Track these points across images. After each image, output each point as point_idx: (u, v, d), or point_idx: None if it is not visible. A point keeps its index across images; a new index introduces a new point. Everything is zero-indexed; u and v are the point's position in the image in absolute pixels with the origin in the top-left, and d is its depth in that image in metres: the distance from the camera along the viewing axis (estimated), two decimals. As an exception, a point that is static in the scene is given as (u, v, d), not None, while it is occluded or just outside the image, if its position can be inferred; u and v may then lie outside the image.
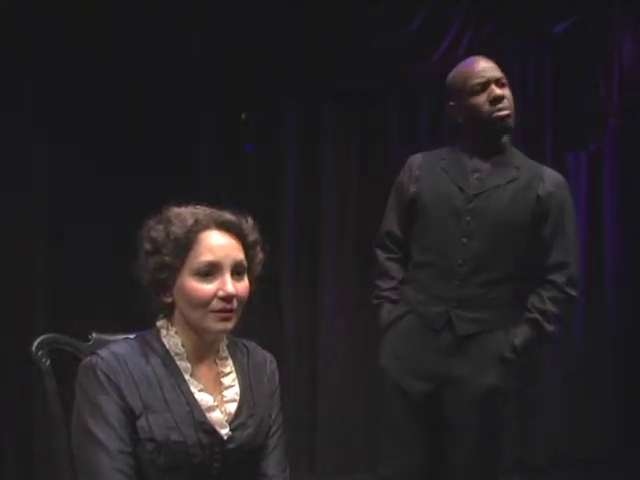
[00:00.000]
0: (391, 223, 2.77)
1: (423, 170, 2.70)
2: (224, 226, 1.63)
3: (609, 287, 4.91)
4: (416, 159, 2.75)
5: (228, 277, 1.60)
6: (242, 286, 1.63)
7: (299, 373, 4.33)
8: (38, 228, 3.84)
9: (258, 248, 1.69)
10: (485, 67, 2.61)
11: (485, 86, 2.58)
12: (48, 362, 1.74)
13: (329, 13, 4.10)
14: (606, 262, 4.92)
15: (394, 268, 2.76)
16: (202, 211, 1.65)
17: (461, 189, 2.60)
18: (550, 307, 2.58)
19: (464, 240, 2.56)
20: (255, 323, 4.03)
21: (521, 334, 2.57)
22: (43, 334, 1.78)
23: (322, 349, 4.36)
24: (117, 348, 1.62)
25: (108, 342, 1.71)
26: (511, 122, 2.60)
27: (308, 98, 4.38)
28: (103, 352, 1.60)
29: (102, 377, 1.56)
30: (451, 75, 2.69)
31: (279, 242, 4.28)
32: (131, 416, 1.56)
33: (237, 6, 4.01)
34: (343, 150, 4.40)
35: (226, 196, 4.07)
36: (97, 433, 1.53)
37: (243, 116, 4.26)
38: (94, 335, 1.82)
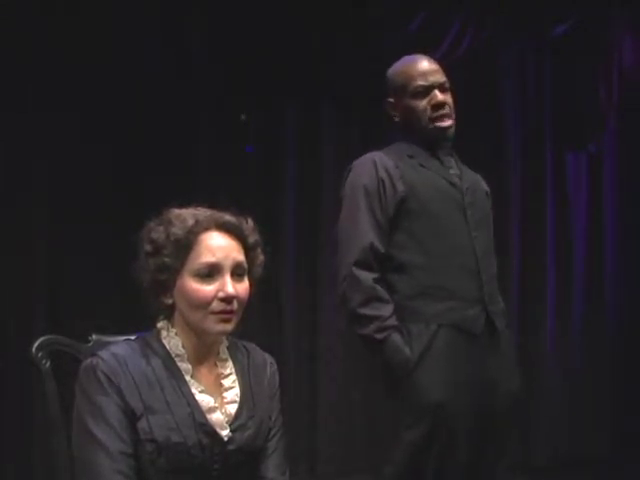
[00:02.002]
0: (370, 235, 2.40)
1: (401, 167, 2.47)
2: (224, 227, 1.63)
3: (609, 287, 4.92)
4: (382, 157, 2.49)
5: (228, 278, 1.60)
6: (242, 287, 1.63)
7: (299, 373, 4.33)
8: (38, 228, 3.83)
9: (259, 250, 1.69)
10: (429, 69, 2.52)
11: (428, 90, 2.49)
12: (48, 363, 1.74)
13: (329, 13, 4.10)
14: (606, 262, 4.93)
15: (383, 290, 2.39)
16: (202, 212, 1.65)
17: (452, 184, 2.51)
18: None
19: (474, 233, 2.48)
20: (255, 323, 4.03)
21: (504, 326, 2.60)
22: (43, 335, 1.77)
23: (322, 349, 4.36)
24: (117, 349, 1.62)
25: (108, 343, 1.71)
26: (452, 132, 2.54)
27: (308, 98, 4.39)
28: (104, 353, 1.60)
29: (103, 378, 1.56)
30: (393, 71, 2.59)
31: (279, 242, 4.28)
32: (132, 417, 1.56)
33: (237, 6, 4.01)
34: (343, 150, 4.39)
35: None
36: (97, 434, 1.53)
37: (243, 117, 4.26)
38: (94, 336, 1.82)
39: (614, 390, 4.84)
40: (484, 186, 2.68)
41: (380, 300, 2.37)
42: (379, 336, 2.35)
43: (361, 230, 2.41)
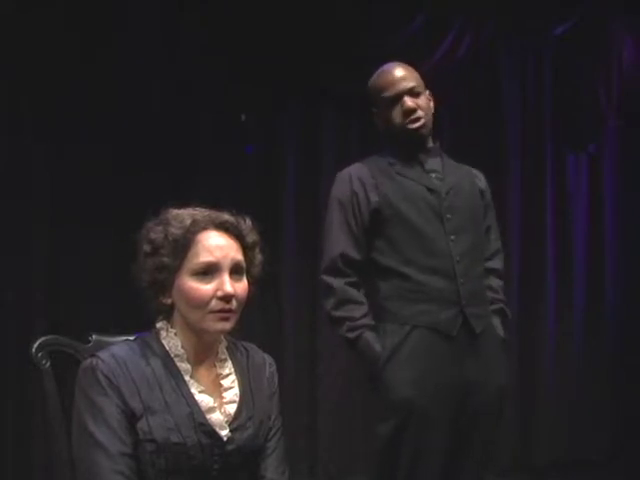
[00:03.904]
0: (342, 244, 2.54)
1: (378, 178, 2.58)
2: (222, 227, 1.64)
3: (609, 287, 4.92)
4: (359, 169, 2.61)
5: (226, 277, 1.60)
6: (241, 286, 1.63)
7: (299, 373, 4.33)
8: (38, 228, 3.83)
9: (257, 249, 1.69)
10: (397, 77, 2.60)
11: (398, 98, 2.57)
12: (48, 363, 1.74)
13: (329, 13, 4.10)
14: (606, 262, 4.93)
15: (356, 293, 2.53)
16: (200, 212, 1.65)
17: (429, 189, 2.57)
18: (503, 295, 2.70)
19: (452, 237, 2.54)
20: (255, 323, 4.03)
21: (500, 326, 2.62)
22: (43, 335, 1.77)
23: (322, 349, 4.36)
24: (117, 350, 1.62)
25: (108, 344, 1.71)
26: (425, 132, 2.61)
27: (308, 98, 4.38)
28: (103, 354, 1.60)
29: (102, 379, 1.56)
30: (371, 83, 2.69)
31: (279, 242, 4.28)
32: (131, 418, 1.56)
33: (237, 6, 4.01)
34: (343, 150, 4.40)
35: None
36: (97, 435, 1.53)
37: (243, 117, 4.26)
38: (94, 337, 1.81)
39: (614, 390, 4.84)
40: (479, 184, 2.72)
41: (352, 302, 2.51)
42: (351, 335, 2.49)
43: (333, 241, 2.57)
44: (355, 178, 2.58)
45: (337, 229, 2.57)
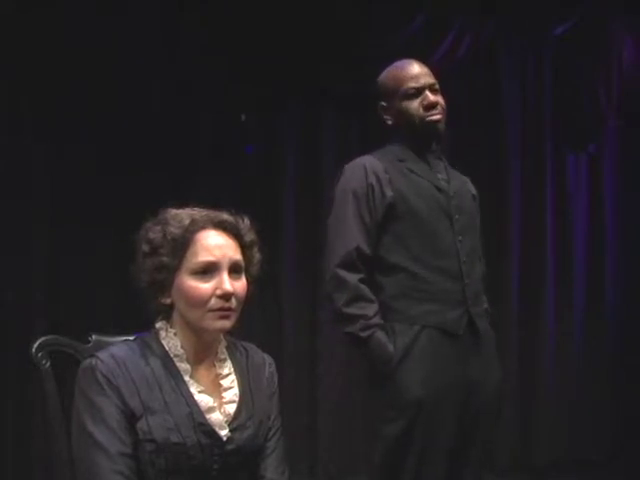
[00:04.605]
0: (357, 238, 2.48)
1: (391, 172, 2.55)
2: (221, 226, 1.64)
3: (609, 287, 4.92)
4: (373, 162, 2.57)
5: (225, 276, 1.61)
6: (240, 285, 1.63)
7: (299, 373, 4.32)
8: (38, 228, 3.84)
9: (255, 248, 1.70)
10: (420, 72, 2.60)
11: (420, 91, 2.57)
12: (48, 363, 1.73)
13: (329, 13, 4.10)
14: (606, 262, 4.93)
15: (368, 290, 2.47)
16: (199, 212, 1.66)
17: (438, 189, 2.57)
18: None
19: (459, 237, 2.55)
20: (255, 323, 4.03)
21: (489, 326, 2.64)
22: (43, 335, 1.77)
23: (322, 349, 4.36)
24: (117, 350, 1.62)
25: (108, 344, 1.71)
26: (442, 127, 2.61)
27: (308, 98, 4.39)
28: (103, 354, 1.60)
29: (102, 379, 1.56)
30: (384, 75, 2.67)
31: (279, 242, 4.28)
32: (131, 418, 1.56)
33: (237, 6, 4.01)
34: (343, 150, 4.39)
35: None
36: (97, 435, 1.53)
37: (243, 117, 4.26)
38: (94, 337, 1.81)
39: (614, 390, 4.84)
40: (471, 189, 2.74)
41: (364, 299, 2.45)
42: (364, 334, 2.43)
43: (348, 233, 2.49)
44: (370, 171, 2.54)
45: (351, 222, 2.50)
